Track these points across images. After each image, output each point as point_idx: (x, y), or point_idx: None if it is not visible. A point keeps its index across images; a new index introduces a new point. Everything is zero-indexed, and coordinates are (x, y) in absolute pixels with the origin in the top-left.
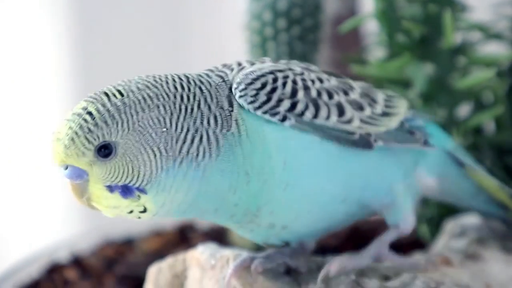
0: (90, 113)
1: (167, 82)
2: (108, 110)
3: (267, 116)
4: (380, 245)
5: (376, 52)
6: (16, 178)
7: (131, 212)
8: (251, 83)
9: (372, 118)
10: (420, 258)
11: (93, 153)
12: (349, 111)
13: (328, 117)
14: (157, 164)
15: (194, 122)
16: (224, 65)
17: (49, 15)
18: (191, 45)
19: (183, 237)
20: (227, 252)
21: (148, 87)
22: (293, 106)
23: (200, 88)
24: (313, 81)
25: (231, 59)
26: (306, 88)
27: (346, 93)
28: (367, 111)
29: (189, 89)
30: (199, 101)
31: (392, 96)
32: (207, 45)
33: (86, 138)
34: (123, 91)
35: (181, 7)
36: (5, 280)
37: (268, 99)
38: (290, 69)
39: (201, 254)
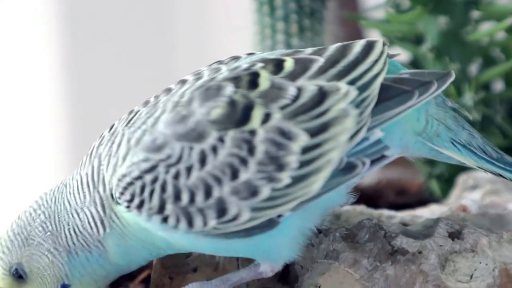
0: (0, 244)
1: (51, 189)
2: (8, 237)
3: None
4: (221, 283)
5: (380, 13)
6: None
7: None
8: (122, 193)
9: (272, 199)
10: None
11: (12, 278)
12: (234, 206)
13: (205, 224)
14: (58, 262)
15: (67, 218)
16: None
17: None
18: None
19: None
20: None
21: (36, 201)
22: (164, 220)
23: (69, 193)
24: (189, 171)
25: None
26: (177, 196)
27: (234, 174)
28: (264, 193)
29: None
30: (68, 200)
31: (326, 125)
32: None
33: (1, 266)
34: (20, 214)
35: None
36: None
37: (140, 210)
38: (161, 160)
39: None
